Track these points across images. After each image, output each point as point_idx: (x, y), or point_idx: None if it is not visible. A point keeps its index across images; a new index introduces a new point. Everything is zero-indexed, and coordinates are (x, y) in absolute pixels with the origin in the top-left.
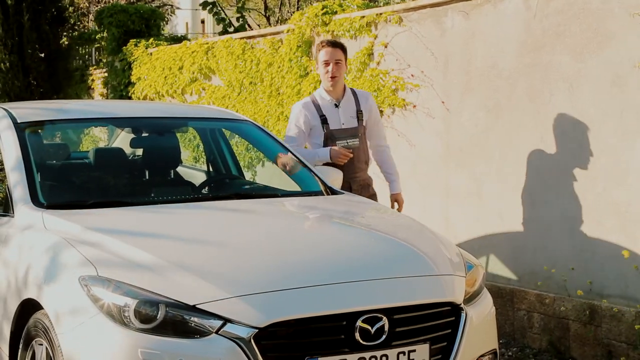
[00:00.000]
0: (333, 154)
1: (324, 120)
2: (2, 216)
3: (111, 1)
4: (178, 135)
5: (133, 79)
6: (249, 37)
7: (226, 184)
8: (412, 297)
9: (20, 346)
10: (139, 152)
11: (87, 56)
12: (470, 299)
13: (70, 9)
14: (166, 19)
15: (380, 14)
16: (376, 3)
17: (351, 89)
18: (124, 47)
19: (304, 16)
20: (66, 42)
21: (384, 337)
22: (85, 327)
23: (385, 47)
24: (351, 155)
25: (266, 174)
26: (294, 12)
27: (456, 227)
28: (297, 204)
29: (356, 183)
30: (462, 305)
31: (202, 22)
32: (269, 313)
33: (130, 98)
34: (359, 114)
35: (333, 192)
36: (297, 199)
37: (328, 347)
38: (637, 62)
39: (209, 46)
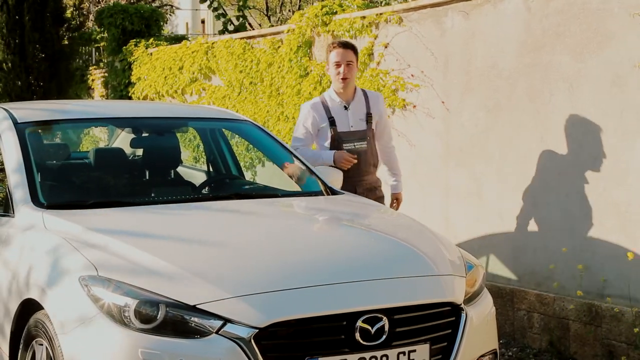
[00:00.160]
0: (337, 157)
1: (332, 122)
2: (3, 216)
3: (111, 1)
4: (178, 135)
5: (133, 79)
6: (249, 37)
7: (226, 184)
8: (412, 297)
9: (21, 346)
10: (139, 152)
11: (87, 56)
12: (470, 299)
13: (72, 9)
14: (166, 19)
15: (381, 14)
16: (376, 3)
17: (362, 90)
18: (124, 47)
19: (304, 16)
20: (66, 43)
21: (384, 337)
22: (85, 327)
23: (386, 47)
24: (355, 161)
25: (266, 174)
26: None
27: (456, 227)
28: (297, 204)
29: (361, 187)
30: (463, 306)
31: (202, 22)
32: (269, 313)
33: (130, 98)
34: (369, 116)
35: (333, 192)
36: (298, 199)
37: (328, 347)
38: (637, 62)
39: (209, 46)
